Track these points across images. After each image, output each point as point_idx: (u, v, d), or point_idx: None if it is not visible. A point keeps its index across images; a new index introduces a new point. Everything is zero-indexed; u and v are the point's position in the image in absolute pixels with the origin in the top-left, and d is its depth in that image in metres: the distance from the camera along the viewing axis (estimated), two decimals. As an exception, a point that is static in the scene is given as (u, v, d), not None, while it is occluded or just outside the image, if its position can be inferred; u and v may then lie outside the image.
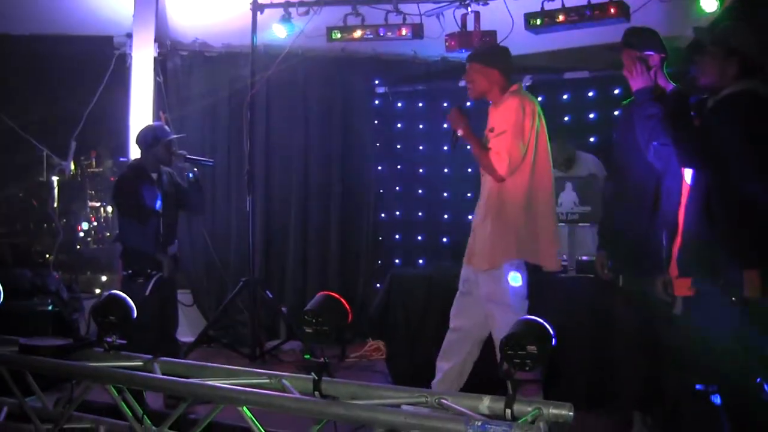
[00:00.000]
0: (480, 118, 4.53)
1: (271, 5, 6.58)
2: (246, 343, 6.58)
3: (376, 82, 7.81)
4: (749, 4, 5.43)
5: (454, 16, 6.36)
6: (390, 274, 5.89)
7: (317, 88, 7.61)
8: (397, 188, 7.96)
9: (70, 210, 7.61)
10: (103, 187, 7.61)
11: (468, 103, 5.58)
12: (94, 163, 7.73)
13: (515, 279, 4.21)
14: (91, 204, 7.63)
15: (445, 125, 7.20)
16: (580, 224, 5.21)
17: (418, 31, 6.30)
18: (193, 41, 7.28)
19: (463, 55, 6.52)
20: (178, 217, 5.38)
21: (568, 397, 2.09)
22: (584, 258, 5.07)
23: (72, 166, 7.45)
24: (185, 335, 6.41)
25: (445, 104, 7.49)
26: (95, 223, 7.66)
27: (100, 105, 7.02)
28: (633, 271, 3.99)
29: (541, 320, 2.12)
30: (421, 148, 7.93)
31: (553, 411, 2.04)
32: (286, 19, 6.50)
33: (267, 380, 2.50)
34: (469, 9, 6.20)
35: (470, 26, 6.17)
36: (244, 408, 2.27)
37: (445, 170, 7.78)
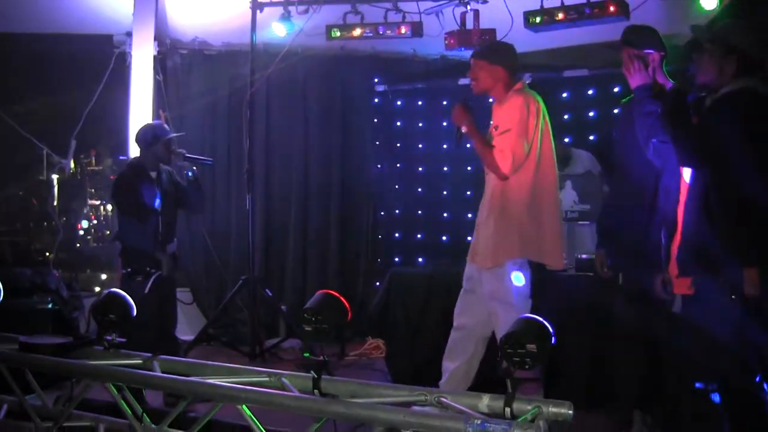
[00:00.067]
0: (482, 112, 4.52)
1: (271, 4, 6.57)
2: (245, 342, 6.58)
3: (376, 80, 7.81)
4: (748, 1, 5.43)
5: (454, 15, 6.36)
6: (389, 273, 5.89)
7: (317, 87, 7.60)
8: (397, 186, 7.95)
9: (70, 208, 7.62)
10: (102, 186, 7.62)
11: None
12: (93, 161, 7.74)
13: (518, 278, 4.21)
14: (90, 202, 7.64)
15: (444, 124, 7.30)
16: (579, 222, 5.22)
17: (417, 30, 6.30)
18: (192, 40, 7.27)
19: (463, 53, 6.55)
20: (178, 215, 5.39)
21: (567, 396, 2.09)
22: (584, 256, 5.07)
23: (72, 165, 7.46)
24: (185, 333, 6.41)
25: (445, 102, 7.49)
26: (95, 222, 7.67)
27: (99, 103, 7.01)
28: (632, 269, 3.99)
29: (540, 319, 2.12)
30: (420, 146, 7.92)
31: (553, 409, 2.04)
32: (286, 17, 6.49)
33: (266, 378, 2.50)
34: (469, 7, 6.20)
35: (470, 24, 6.17)
36: (244, 406, 2.27)
37: (445, 169, 7.77)
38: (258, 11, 6.56)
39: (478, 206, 4.53)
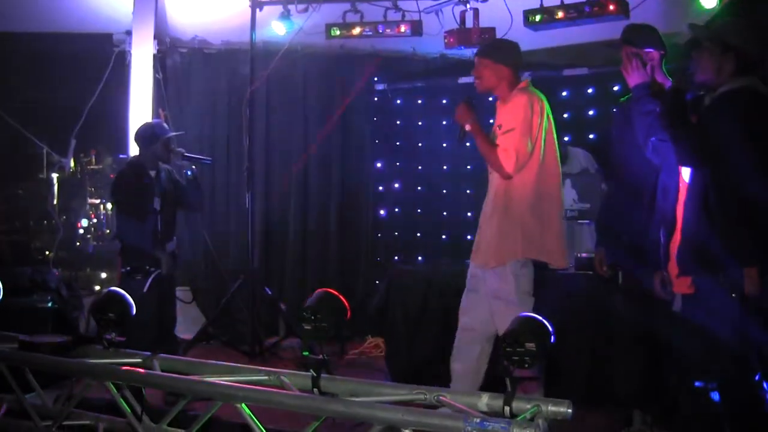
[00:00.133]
0: (485, 110, 4.50)
1: (270, 2, 6.58)
2: (245, 341, 6.57)
3: (375, 79, 7.80)
4: (748, 0, 5.42)
5: (453, 13, 6.35)
6: (389, 271, 5.89)
7: (316, 85, 7.59)
8: (396, 185, 7.95)
9: (69, 207, 7.61)
10: (102, 184, 7.60)
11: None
12: (93, 160, 7.72)
13: (520, 278, 4.21)
14: (90, 201, 7.62)
15: (444, 122, 7.30)
16: (579, 221, 5.21)
17: (417, 28, 6.30)
18: (192, 38, 7.26)
19: (462, 51, 6.56)
20: (177, 214, 5.39)
21: (567, 395, 2.09)
22: (583, 255, 5.07)
23: (72, 164, 7.44)
24: (184, 332, 6.40)
25: (445, 101, 7.48)
26: (95, 220, 7.65)
27: (99, 102, 7.00)
28: (632, 268, 3.99)
29: (540, 317, 2.12)
30: (420, 145, 7.91)
31: (552, 408, 2.04)
32: (285, 16, 6.49)
33: (266, 377, 2.50)
34: (468, 6, 6.19)
35: (469, 23, 6.16)
36: (243, 405, 2.27)
37: (444, 167, 7.76)
38: (258, 10, 6.56)
39: (478, 205, 4.53)
